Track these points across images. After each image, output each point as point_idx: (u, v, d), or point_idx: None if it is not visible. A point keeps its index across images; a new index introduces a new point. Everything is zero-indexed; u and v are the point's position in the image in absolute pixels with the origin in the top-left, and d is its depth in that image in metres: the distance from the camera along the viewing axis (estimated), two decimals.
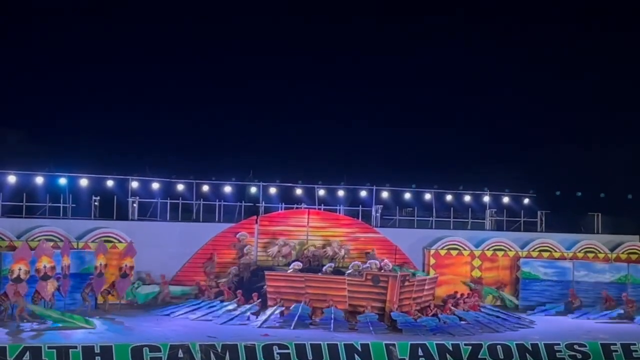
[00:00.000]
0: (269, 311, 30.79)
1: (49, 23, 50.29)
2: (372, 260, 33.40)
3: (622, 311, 34.73)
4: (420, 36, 52.76)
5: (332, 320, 29.58)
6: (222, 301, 32.45)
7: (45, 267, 29.71)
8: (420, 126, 51.73)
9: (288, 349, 25.71)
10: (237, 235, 35.39)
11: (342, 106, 52.58)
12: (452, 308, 32.03)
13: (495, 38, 52.52)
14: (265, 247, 35.70)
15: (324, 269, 33.04)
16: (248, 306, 31.59)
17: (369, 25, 54.13)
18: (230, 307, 31.70)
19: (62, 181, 35.38)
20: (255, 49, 53.05)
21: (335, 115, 52.38)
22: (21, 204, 34.56)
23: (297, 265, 33.18)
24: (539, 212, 40.36)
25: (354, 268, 32.19)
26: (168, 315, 31.49)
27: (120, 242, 33.53)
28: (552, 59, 53.36)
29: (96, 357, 24.18)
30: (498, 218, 40.25)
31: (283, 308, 30.77)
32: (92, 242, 33.06)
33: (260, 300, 31.90)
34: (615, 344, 28.00)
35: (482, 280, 37.23)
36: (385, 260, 33.38)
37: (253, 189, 38.19)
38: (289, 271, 32.86)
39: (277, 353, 25.54)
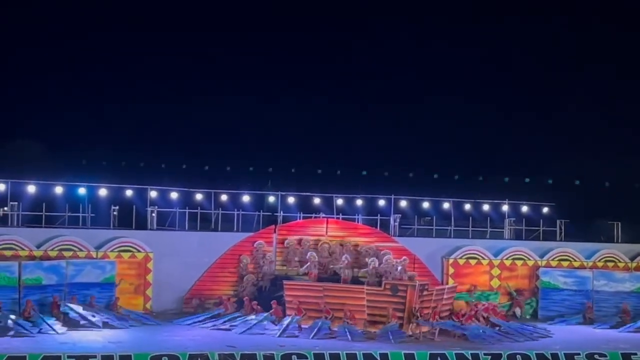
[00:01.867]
0: (286, 320, 30.78)
1: (68, 29, 50.67)
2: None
3: None
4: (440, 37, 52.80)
5: (348, 333, 29.63)
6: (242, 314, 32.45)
7: None
8: (438, 135, 51.73)
9: (307, 358, 25.72)
10: (255, 245, 35.32)
11: (360, 114, 52.63)
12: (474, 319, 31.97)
13: (506, 45, 52.49)
14: (283, 254, 35.53)
15: (342, 257, 33.42)
16: (265, 314, 31.61)
17: (388, 30, 54.25)
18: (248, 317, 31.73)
19: (82, 191, 35.50)
20: (269, 56, 53.32)
21: (352, 124, 52.44)
22: (41, 213, 34.72)
23: (313, 256, 33.68)
24: (558, 221, 40.09)
25: (369, 273, 32.45)
26: (188, 324, 31.58)
27: (139, 251, 33.65)
28: (569, 64, 53.22)
29: None
30: (517, 227, 40.01)
31: (300, 317, 30.77)
32: (111, 251, 33.21)
33: (278, 308, 31.83)
34: (635, 354, 27.83)
35: (524, 291, 37.10)
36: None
37: (271, 199, 38.19)
38: (306, 266, 33.60)
39: None
